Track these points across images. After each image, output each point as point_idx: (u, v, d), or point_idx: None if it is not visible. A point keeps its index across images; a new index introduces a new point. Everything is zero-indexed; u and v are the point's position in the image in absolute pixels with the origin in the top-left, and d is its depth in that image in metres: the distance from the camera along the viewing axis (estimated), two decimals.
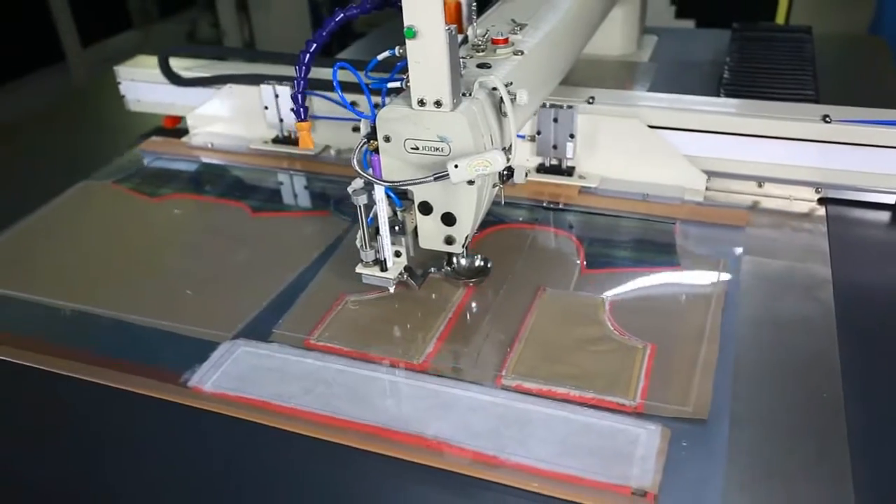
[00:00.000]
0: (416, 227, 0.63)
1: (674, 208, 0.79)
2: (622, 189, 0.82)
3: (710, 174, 0.82)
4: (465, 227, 0.61)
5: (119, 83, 1.05)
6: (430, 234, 0.63)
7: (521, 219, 0.79)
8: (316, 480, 0.52)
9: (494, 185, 0.63)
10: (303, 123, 0.63)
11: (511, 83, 0.60)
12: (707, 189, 0.82)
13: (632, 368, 0.58)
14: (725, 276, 0.68)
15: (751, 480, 0.49)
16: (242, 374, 0.60)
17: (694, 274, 0.70)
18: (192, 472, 0.53)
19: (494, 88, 0.59)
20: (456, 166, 0.55)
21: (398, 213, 0.63)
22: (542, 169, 0.86)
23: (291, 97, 0.62)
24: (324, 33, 0.61)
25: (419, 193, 0.61)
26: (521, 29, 0.70)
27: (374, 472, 0.52)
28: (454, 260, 0.69)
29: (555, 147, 0.84)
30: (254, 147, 0.97)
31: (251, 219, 0.83)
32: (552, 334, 0.62)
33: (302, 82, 0.62)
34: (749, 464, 0.50)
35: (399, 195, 0.62)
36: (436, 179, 0.57)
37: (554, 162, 0.85)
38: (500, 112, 0.60)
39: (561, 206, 0.81)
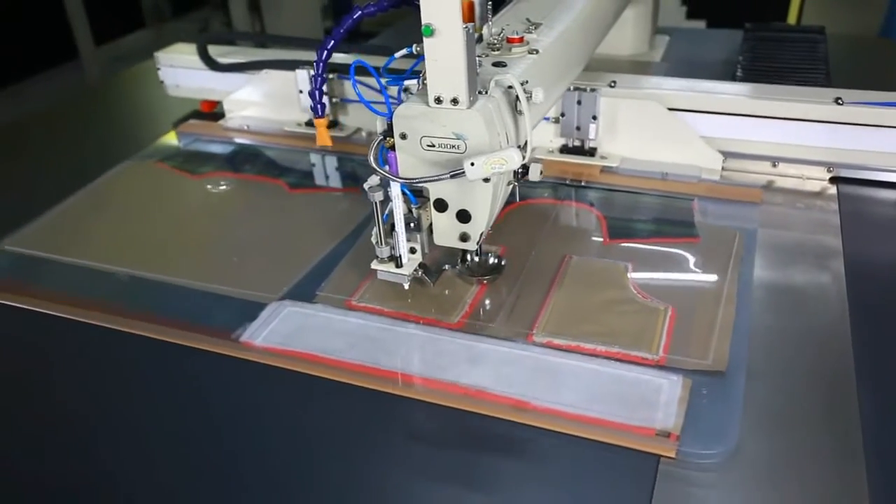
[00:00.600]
0: (431, 224, 0.64)
1: (691, 186, 0.83)
2: (642, 169, 0.86)
3: (727, 154, 0.85)
4: (479, 224, 0.62)
5: (158, 69, 1.10)
6: (445, 230, 0.63)
7: (545, 195, 0.84)
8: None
9: (509, 183, 0.64)
10: (320, 120, 0.64)
11: (526, 81, 0.61)
12: (723, 169, 0.85)
13: (654, 327, 0.62)
14: (741, 247, 0.72)
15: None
16: (290, 331, 0.64)
17: (712, 244, 0.74)
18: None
19: (510, 87, 0.59)
20: (472, 164, 0.56)
21: (413, 209, 0.64)
22: (565, 149, 0.90)
23: (309, 93, 0.63)
24: (341, 30, 0.62)
25: (435, 190, 0.61)
26: (535, 28, 0.71)
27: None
28: (468, 257, 0.70)
29: (578, 128, 0.88)
30: (288, 129, 1.01)
31: (288, 194, 0.88)
32: (579, 297, 0.66)
33: (319, 79, 0.62)
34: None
35: (415, 192, 0.63)
36: (452, 177, 0.58)
37: (577, 143, 0.89)
38: (515, 110, 0.60)
39: (583, 184, 0.85)
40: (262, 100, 1.04)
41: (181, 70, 1.08)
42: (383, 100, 0.60)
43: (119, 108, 1.21)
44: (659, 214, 0.80)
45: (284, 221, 0.83)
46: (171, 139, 1.04)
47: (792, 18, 2.11)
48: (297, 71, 0.97)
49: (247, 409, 0.58)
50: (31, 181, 0.97)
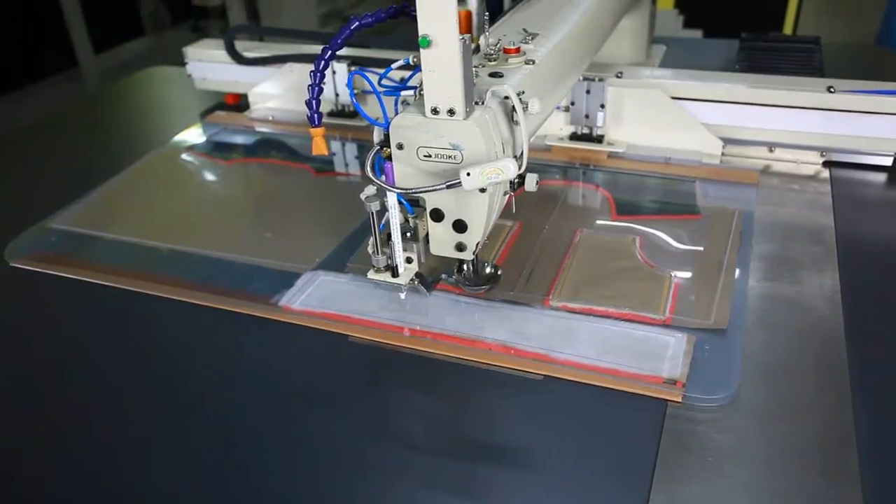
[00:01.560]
0: (427, 234, 0.64)
1: (693, 169, 0.90)
2: (647, 154, 0.93)
3: (727, 141, 0.91)
4: (476, 234, 0.62)
5: (186, 63, 1.16)
6: (442, 240, 0.63)
7: (557, 176, 0.92)
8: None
9: (505, 193, 0.64)
10: (317, 129, 0.64)
11: (523, 92, 0.61)
12: (723, 154, 0.91)
13: (661, 291, 0.68)
14: (740, 223, 0.78)
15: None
16: (325, 296, 0.70)
17: (713, 221, 0.80)
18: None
19: (506, 97, 0.60)
20: (468, 174, 0.56)
21: (410, 219, 0.64)
22: (574, 137, 0.97)
23: (306, 103, 0.63)
24: (339, 41, 0.62)
25: (431, 200, 0.61)
26: (532, 38, 0.71)
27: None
28: (465, 267, 0.70)
29: (587, 116, 0.95)
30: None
31: (315, 178, 0.95)
32: (590, 266, 0.72)
33: (316, 89, 0.62)
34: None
35: (411, 202, 0.63)
36: (448, 187, 0.58)
37: (585, 130, 0.96)
38: (511, 120, 0.61)
39: (592, 168, 0.92)
40: (285, 92, 1.10)
41: (208, 64, 1.15)
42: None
43: (126, 112, 1.25)
44: (663, 195, 0.86)
45: (312, 202, 0.90)
46: (196, 130, 1.10)
47: (788, 28, 2.12)
48: None
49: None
50: (53, 177, 1.01)
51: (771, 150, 0.90)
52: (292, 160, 1.00)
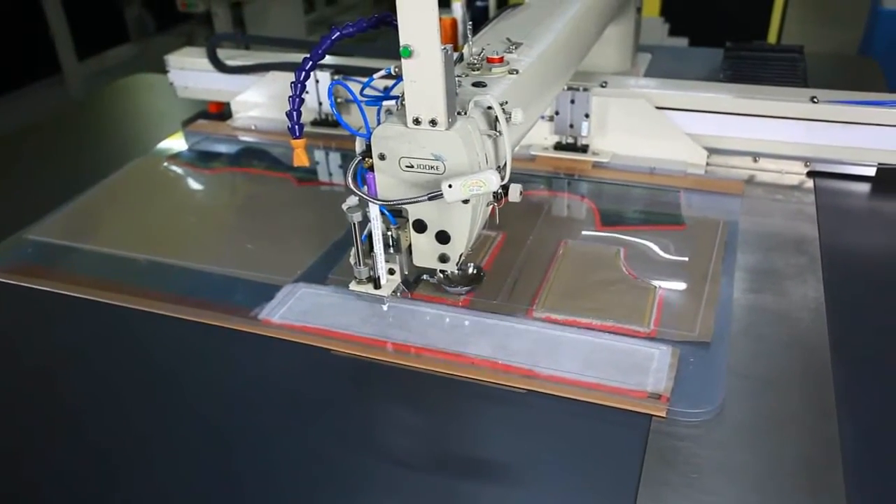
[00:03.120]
0: (410, 245, 0.63)
1: (678, 179, 0.89)
2: (631, 164, 0.92)
3: (711, 150, 0.90)
4: (459, 245, 0.61)
5: (168, 71, 1.15)
6: (425, 251, 0.63)
7: (541, 186, 0.90)
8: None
9: (489, 204, 0.63)
10: (298, 141, 0.63)
11: (506, 102, 0.61)
12: (708, 164, 0.91)
13: (645, 303, 0.67)
14: (724, 233, 0.78)
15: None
16: (305, 309, 0.68)
17: (697, 231, 0.79)
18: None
19: (489, 107, 0.59)
20: (450, 186, 0.55)
21: (393, 230, 0.63)
22: (559, 146, 0.96)
23: (287, 114, 0.62)
24: (320, 51, 0.61)
25: (414, 211, 0.61)
26: (516, 48, 0.71)
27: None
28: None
29: (571, 126, 0.94)
30: None
31: (297, 188, 0.93)
32: (575, 277, 0.71)
33: (297, 100, 0.62)
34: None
35: (394, 213, 0.62)
36: (430, 199, 0.57)
37: (570, 140, 0.95)
38: (495, 130, 0.60)
39: (577, 178, 0.91)
40: (267, 100, 1.09)
41: (190, 73, 1.13)
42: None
43: (109, 120, 1.23)
44: (647, 205, 0.85)
45: (294, 212, 0.88)
46: (178, 139, 1.08)
47: (772, 37, 2.13)
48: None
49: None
50: (32, 185, 0.99)
51: (755, 160, 0.90)
52: (274, 170, 0.98)
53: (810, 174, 0.88)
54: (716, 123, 0.89)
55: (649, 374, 0.59)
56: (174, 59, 1.14)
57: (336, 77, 1.00)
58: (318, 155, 1.01)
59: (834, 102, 0.85)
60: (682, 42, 2.01)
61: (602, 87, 0.92)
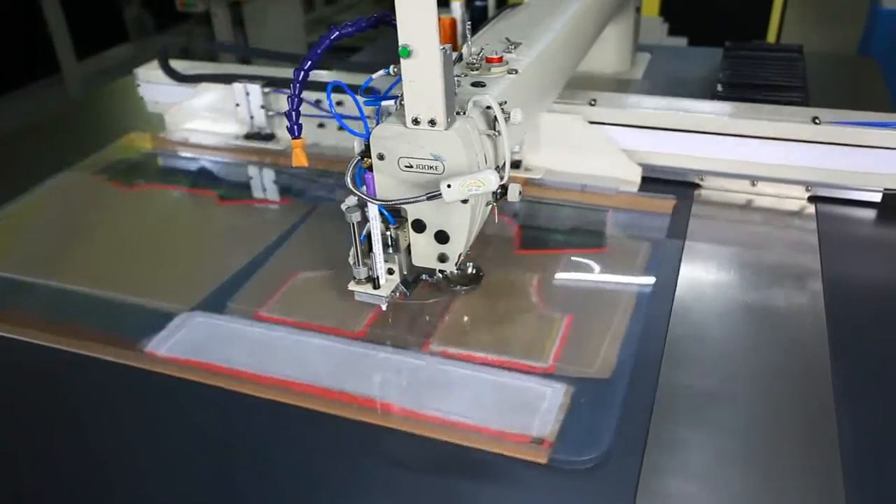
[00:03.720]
0: (409, 245, 0.63)
1: (608, 198, 0.85)
2: (565, 180, 0.88)
3: (705, 173, 0.86)
4: (458, 245, 0.61)
5: (138, 85, 1.11)
6: (424, 251, 0.63)
7: None
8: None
9: (488, 204, 0.63)
10: (297, 140, 0.62)
11: (505, 102, 0.60)
12: (703, 187, 0.86)
13: (548, 336, 0.63)
14: (646, 258, 0.74)
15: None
16: (194, 341, 0.64)
17: (618, 255, 0.76)
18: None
19: (489, 107, 0.59)
20: (449, 186, 0.55)
21: (391, 230, 0.63)
22: None
23: (286, 114, 0.62)
24: (318, 51, 0.61)
25: (412, 211, 0.61)
26: (515, 47, 0.71)
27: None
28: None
29: None
30: (226, 142, 1.02)
31: (217, 206, 0.90)
32: (480, 307, 0.68)
33: (296, 100, 0.61)
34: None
35: (392, 213, 0.62)
36: (429, 199, 0.57)
37: None
38: (494, 131, 0.60)
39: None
40: (203, 112, 1.05)
41: (158, 87, 1.09)
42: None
43: (110, 119, 1.21)
44: (572, 225, 0.82)
45: (209, 233, 0.85)
46: (111, 152, 1.04)
47: (771, 37, 2.13)
48: (234, 84, 0.99)
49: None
50: (31, 185, 0.96)
51: (753, 184, 0.84)
52: (198, 186, 0.94)
53: (811, 199, 0.82)
54: (711, 144, 0.84)
55: (537, 415, 0.55)
56: (143, 73, 1.10)
57: (267, 89, 0.98)
58: (251, 169, 0.98)
59: (837, 123, 0.80)
60: (682, 42, 2.01)
61: (591, 105, 0.87)
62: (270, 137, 1.01)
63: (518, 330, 0.65)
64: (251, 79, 0.99)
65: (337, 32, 0.61)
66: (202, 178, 0.96)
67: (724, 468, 0.51)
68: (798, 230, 0.78)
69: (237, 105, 1.00)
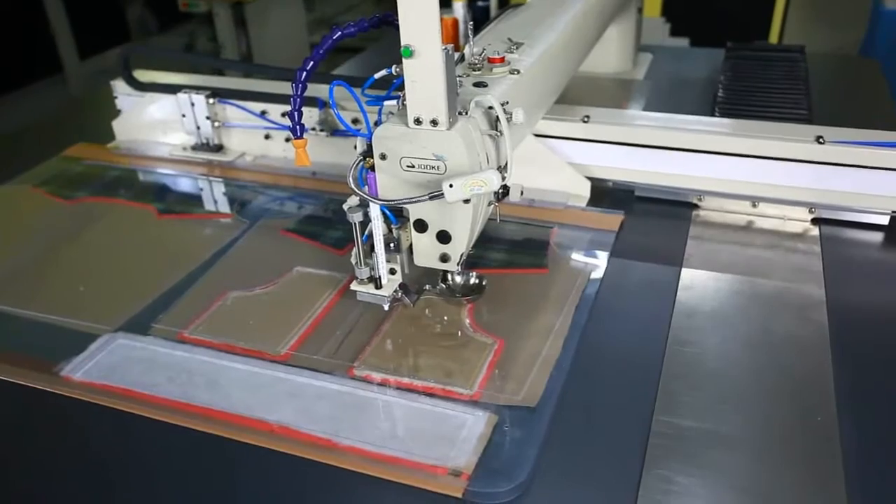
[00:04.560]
0: (411, 245, 0.63)
1: (555, 213, 0.82)
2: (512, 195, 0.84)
3: (704, 193, 0.82)
4: (460, 245, 0.61)
5: (116, 97, 1.07)
6: (426, 251, 0.63)
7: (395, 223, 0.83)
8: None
9: (490, 203, 0.63)
10: (299, 141, 0.63)
11: (507, 102, 0.61)
12: (702, 208, 0.83)
13: (476, 361, 0.61)
14: (585, 280, 0.71)
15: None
16: (113, 365, 0.62)
17: (558, 276, 0.73)
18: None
19: (490, 107, 0.59)
20: (451, 186, 0.55)
21: (393, 230, 0.63)
22: None
23: (287, 115, 0.62)
24: (321, 51, 0.61)
25: (414, 211, 0.61)
26: (517, 48, 0.71)
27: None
28: (449, 277, 0.69)
29: None
30: (174, 153, 1.00)
31: (156, 221, 0.86)
32: (411, 331, 0.66)
33: (298, 100, 0.62)
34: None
35: (394, 213, 0.62)
36: (431, 198, 0.57)
37: None
38: (495, 131, 0.60)
39: None
40: (150, 122, 1.02)
41: (138, 98, 1.03)
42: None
43: (112, 118, 1.17)
44: (516, 243, 0.78)
45: (145, 249, 0.81)
46: (56, 164, 1.01)
47: (774, 37, 2.13)
48: (179, 95, 0.97)
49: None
50: None
51: (754, 205, 0.81)
52: (138, 200, 0.90)
53: (815, 221, 0.79)
54: (710, 164, 0.81)
55: (455, 445, 0.53)
56: (121, 86, 1.04)
57: (212, 100, 0.96)
58: (198, 182, 0.95)
59: (843, 143, 0.76)
60: (683, 42, 2.01)
61: (584, 121, 0.84)
62: (219, 148, 0.99)
63: (445, 355, 0.62)
64: (197, 89, 0.96)
65: (339, 32, 0.61)
66: (144, 191, 0.93)
67: None
68: (801, 254, 0.75)
69: (183, 116, 0.98)
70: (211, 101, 0.96)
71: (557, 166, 0.84)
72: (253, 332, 0.66)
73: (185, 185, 0.95)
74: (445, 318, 0.67)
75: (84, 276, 0.76)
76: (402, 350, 0.64)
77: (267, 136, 0.96)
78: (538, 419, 0.55)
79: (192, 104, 0.97)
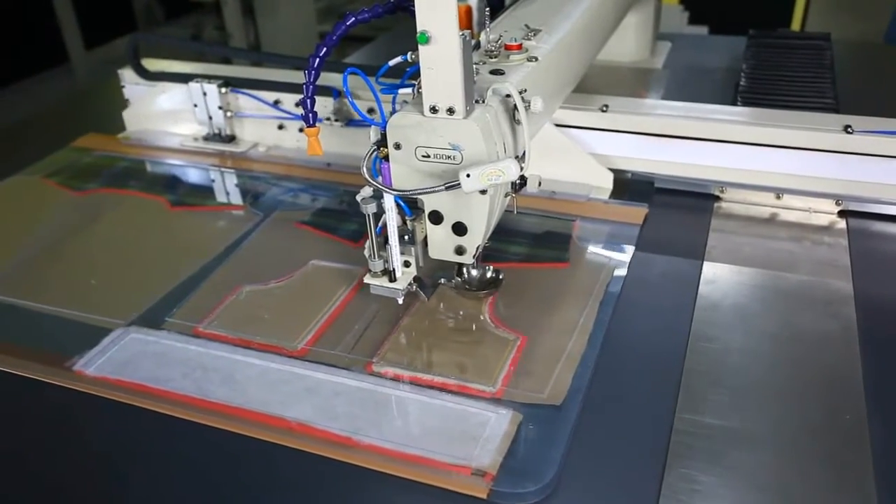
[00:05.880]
0: (426, 237, 0.62)
1: (577, 206, 0.80)
2: (533, 187, 0.82)
3: (726, 185, 0.80)
4: (476, 237, 0.60)
5: (123, 87, 1.05)
6: (441, 243, 0.61)
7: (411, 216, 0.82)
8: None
9: (507, 195, 0.62)
10: (311, 129, 0.61)
11: (525, 90, 0.59)
12: (724, 200, 0.81)
13: (499, 358, 0.60)
14: (609, 274, 0.69)
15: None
16: (126, 359, 0.61)
17: (580, 270, 0.71)
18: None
19: (508, 95, 0.57)
20: (468, 175, 0.54)
21: (408, 222, 0.61)
22: None
23: (300, 103, 0.60)
24: (334, 37, 0.59)
25: (430, 202, 0.59)
26: (534, 35, 0.69)
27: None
28: (465, 271, 0.67)
29: None
30: (185, 144, 0.98)
31: (169, 212, 0.85)
32: (430, 326, 0.64)
33: (311, 87, 0.60)
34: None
35: (409, 204, 0.60)
36: (447, 188, 0.55)
37: None
38: (513, 119, 0.58)
39: None
40: (161, 113, 1.00)
41: (146, 87, 1.02)
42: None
43: (119, 108, 1.15)
44: (537, 236, 0.76)
45: (157, 241, 0.80)
46: (66, 154, 0.99)
47: (796, 25, 2.09)
48: (190, 84, 0.95)
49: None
50: None
51: (779, 197, 0.78)
52: (149, 191, 0.89)
53: (842, 213, 0.77)
54: (733, 154, 0.79)
55: (479, 444, 0.51)
56: (129, 75, 1.03)
57: (225, 89, 0.94)
58: (210, 173, 0.93)
59: (871, 133, 0.74)
60: (703, 30, 1.97)
61: (603, 111, 0.82)
62: (231, 139, 0.97)
63: (467, 351, 0.61)
64: (209, 78, 0.94)
65: (353, 18, 0.60)
66: (155, 183, 0.91)
67: None
68: (828, 247, 0.73)
69: (195, 105, 0.96)
70: (223, 90, 0.95)
71: (580, 157, 0.83)
72: (269, 326, 0.65)
73: (196, 176, 0.93)
74: (464, 312, 0.65)
75: (95, 269, 0.75)
76: (422, 345, 0.62)
77: (280, 127, 0.95)
78: (563, 418, 0.54)
79: (205, 94, 0.95)
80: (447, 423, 0.54)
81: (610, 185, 0.82)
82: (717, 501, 0.48)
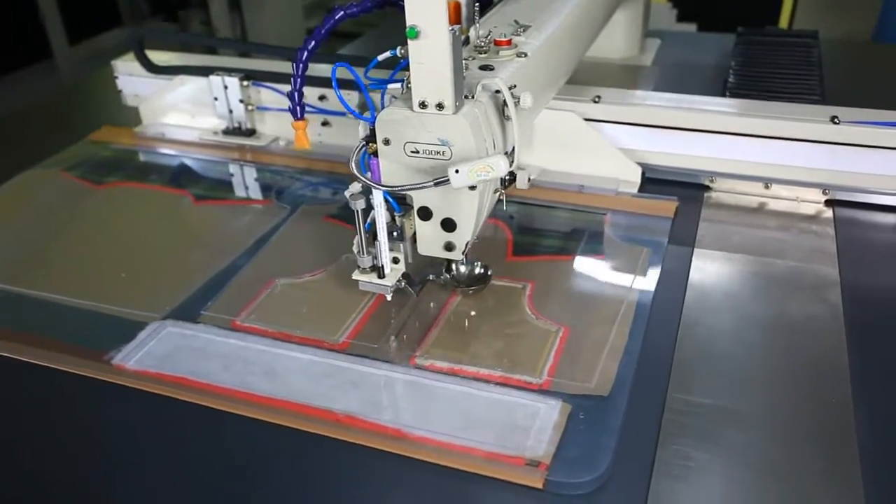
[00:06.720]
0: (414, 233, 0.61)
1: (607, 199, 0.81)
2: (561, 181, 0.83)
3: (716, 175, 0.82)
4: (465, 233, 0.59)
5: (116, 77, 1.05)
6: (430, 240, 0.61)
7: None
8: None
9: (496, 191, 0.61)
10: (299, 122, 0.61)
11: (514, 86, 0.58)
12: (714, 190, 0.82)
13: (542, 349, 0.60)
14: (645, 264, 0.70)
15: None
16: (166, 353, 0.61)
17: (616, 262, 0.72)
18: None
19: (498, 91, 0.57)
20: (457, 171, 0.53)
21: (397, 218, 0.61)
22: None
23: (288, 95, 0.60)
24: (323, 31, 0.59)
25: (418, 198, 0.59)
26: (524, 30, 0.68)
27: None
28: (453, 267, 0.67)
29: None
30: (204, 138, 0.97)
31: (193, 206, 0.84)
32: (471, 318, 0.64)
33: (299, 80, 0.59)
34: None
35: (398, 200, 0.60)
36: (436, 184, 0.55)
37: None
38: (502, 115, 0.58)
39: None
40: (179, 106, 1.00)
41: (139, 79, 1.03)
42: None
43: (104, 104, 1.16)
44: (568, 229, 0.77)
45: (184, 235, 0.79)
46: (83, 147, 0.98)
47: (783, 23, 2.10)
48: (211, 77, 0.94)
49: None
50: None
51: (767, 187, 0.80)
52: (172, 185, 0.88)
53: (829, 203, 0.78)
54: (721, 145, 0.80)
55: (530, 434, 0.51)
56: (122, 65, 1.03)
57: (246, 82, 0.94)
58: (231, 168, 0.93)
59: (857, 123, 0.75)
60: (691, 28, 1.98)
61: (595, 102, 0.82)
62: (251, 133, 0.97)
63: (510, 343, 0.61)
64: (230, 71, 0.94)
65: (342, 12, 0.59)
66: (177, 176, 0.91)
67: (738, 494, 0.48)
68: (815, 235, 0.74)
69: (215, 99, 0.95)
70: (245, 83, 0.94)
71: (608, 151, 0.83)
72: (307, 320, 0.64)
73: (217, 170, 0.93)
74: (504, 305, 0.65)
75: (124, 263, 0.74)
76: (464, 338, 0.62)
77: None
78: (613, 408, 0.54)
79: (226, 87, 0.94)
80: (496, 414, 0.54)
81: (638, 179, 0.82)
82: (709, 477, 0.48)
